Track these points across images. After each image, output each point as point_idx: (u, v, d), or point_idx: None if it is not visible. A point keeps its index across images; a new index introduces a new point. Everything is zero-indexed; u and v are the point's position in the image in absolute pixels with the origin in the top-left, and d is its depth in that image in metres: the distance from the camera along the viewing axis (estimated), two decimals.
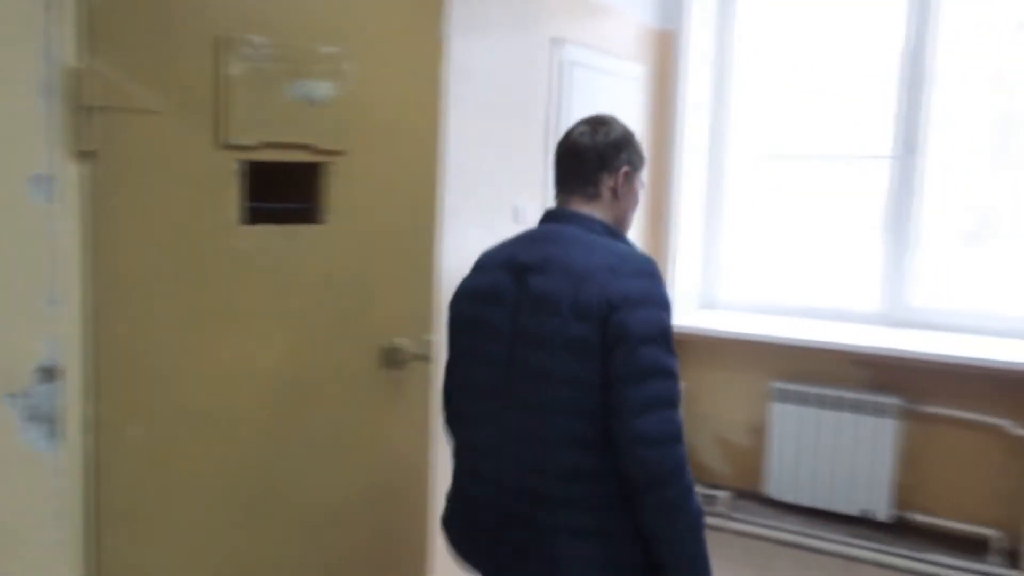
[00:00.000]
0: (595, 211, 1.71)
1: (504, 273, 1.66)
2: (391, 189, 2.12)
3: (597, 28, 3.43)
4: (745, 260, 4.24)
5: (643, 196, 1.84)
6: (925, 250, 3.82)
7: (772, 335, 3.78)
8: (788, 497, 3.82)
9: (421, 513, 2.31)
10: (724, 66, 4.13)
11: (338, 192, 1.99)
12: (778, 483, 3.83)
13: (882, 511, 3.63)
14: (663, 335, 1.54)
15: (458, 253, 2.83)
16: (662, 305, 1.57)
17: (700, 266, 4.23)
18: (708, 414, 4.08)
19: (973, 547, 3.47)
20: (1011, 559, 3.39)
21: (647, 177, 1.95)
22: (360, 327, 2.09)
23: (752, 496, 3.90)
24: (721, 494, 3.88)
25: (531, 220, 3.14)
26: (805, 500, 3.78)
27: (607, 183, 1.72)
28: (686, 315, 4.08)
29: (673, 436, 1.51)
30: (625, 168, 1.73)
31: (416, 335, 2.20)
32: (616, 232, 1.72)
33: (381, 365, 2.14)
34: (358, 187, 2.03)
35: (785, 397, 3.81)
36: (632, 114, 3.73)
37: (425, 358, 2.21)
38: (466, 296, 1.74)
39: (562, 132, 1.79)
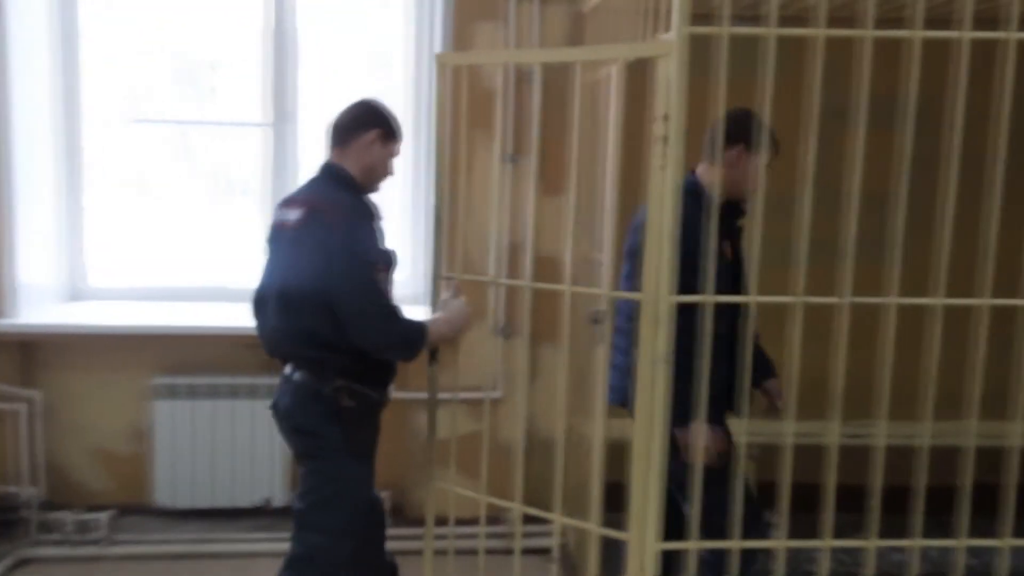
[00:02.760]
0: None
1: None
2: None
3: None
4: (116, 241, 3.68)
5: None
6: None
7: (150, 324, 3.34)
8: (183, 503, 3.42)
9: None
10: (70, 18, 3.50)
11: None
12: (169, 490, 3.41)
13: (280, 497, 3.46)
14: None
15: None
16: None
17: (58, 251, 3.55)
18: (81, 425, 3.45)
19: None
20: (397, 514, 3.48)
21: None
22: None
23: (140, 510, 3.41)
24: (101, 516, 3.27)
25: None
26: (203, 502, 3.43)
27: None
28: (44, 312, 3.40)
29: None
30: None
31: None
32: None
33: None
34: None
35: (171, 393, 3.39)
36: None
37: None
38: None
39: None
